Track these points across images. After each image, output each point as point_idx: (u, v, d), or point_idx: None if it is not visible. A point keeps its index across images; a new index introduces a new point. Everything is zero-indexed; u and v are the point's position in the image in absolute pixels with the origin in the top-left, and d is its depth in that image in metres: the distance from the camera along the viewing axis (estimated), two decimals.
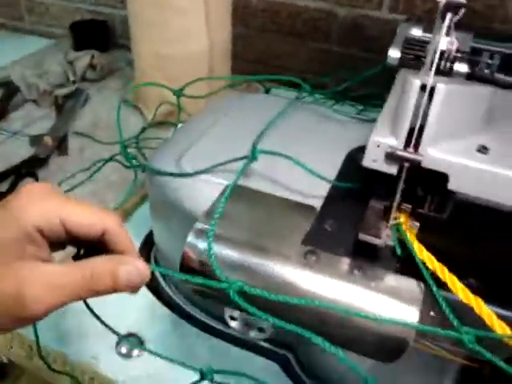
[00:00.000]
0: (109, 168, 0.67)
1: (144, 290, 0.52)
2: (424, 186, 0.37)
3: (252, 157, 0.41)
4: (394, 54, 0.53)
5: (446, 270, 0.32)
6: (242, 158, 0.42)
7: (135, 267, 0.28)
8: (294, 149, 0.43)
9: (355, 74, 0.59)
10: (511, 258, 0.35)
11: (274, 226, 0.38)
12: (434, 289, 0.32)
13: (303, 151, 0.44)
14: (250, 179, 0.42)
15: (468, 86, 0.34)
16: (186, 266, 0.36)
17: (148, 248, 0.56)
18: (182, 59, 0.68)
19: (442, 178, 0.34)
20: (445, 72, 0.47)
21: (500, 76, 0.46)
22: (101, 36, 0.97)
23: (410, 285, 0.33)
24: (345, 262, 0.34)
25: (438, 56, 0.31)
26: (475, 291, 0.34)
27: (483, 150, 0.33)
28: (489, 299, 0.33)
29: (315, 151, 0.46)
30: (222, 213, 0.37)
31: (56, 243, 0.29)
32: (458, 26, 0.53)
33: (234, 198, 0.41)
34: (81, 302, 0.49)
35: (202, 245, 0.36)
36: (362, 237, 0.34)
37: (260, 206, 0.40)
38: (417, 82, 0.32)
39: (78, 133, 0.76)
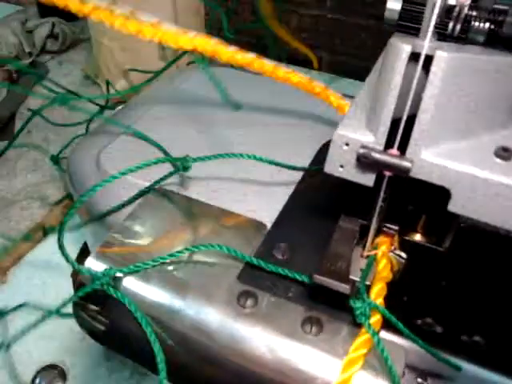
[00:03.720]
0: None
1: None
2: (416, 203, 0.26)
3: (182, 168, 0.30)
4: (394, 5, 0.40)
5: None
6: (167, 160, 0.31)
7: None
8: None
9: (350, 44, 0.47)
10: None
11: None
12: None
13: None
14: (184, 184, 0.32)
15: (485, 56, 0.23)
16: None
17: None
18: None
19: (442, 193, 0.23)
20: (457, 38, 0.35)
21: None
22: None
23: (389, 349, 0.23)
24: (294, 312, 0.24)
25: (437, 9, 0.20)
26: (482, 352, 0.24)
27: (504, 153, 0.22)
28: (499, 363, 0.23)
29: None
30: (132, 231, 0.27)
31: None
32: None
33: (161, 206, 0.30)
34: None
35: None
36: (318, 279, 0.23)
37: (194, 220, 0.29)
38: (405, 49, 0.21)
39: (30, 110, 0.66)
